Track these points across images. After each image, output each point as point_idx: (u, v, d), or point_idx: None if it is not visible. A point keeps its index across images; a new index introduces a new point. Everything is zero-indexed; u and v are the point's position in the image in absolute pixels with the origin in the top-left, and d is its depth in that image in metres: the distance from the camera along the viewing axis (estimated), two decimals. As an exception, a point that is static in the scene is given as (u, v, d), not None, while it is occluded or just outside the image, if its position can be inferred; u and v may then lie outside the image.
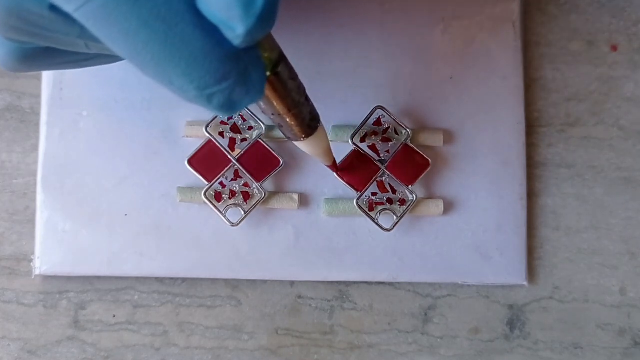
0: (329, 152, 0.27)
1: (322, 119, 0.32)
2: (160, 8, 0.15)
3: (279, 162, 0.30)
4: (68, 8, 0.15)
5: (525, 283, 0.31)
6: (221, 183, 0.30)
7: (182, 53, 0.15)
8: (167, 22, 0.15)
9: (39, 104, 0.32)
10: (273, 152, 0.31)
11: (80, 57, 0.22)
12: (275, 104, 0.21)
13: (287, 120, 0.22)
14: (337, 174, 0.30)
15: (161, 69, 0.16)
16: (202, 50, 0.15)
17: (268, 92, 0.20)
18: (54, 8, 0.16)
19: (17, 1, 0.16)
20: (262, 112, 0.22)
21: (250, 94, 0.17)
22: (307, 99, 0.22)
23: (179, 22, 0.15)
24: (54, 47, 0.19)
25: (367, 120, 0.31)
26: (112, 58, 0.22)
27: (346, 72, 0.32)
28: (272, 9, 0.15)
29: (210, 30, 0.15)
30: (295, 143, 0.25)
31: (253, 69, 0.17)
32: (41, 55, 0.20)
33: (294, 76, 0.20)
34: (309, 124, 0.23)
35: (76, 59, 0.22)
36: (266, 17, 0.15)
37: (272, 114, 0.22)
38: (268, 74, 0.19)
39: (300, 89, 0.21)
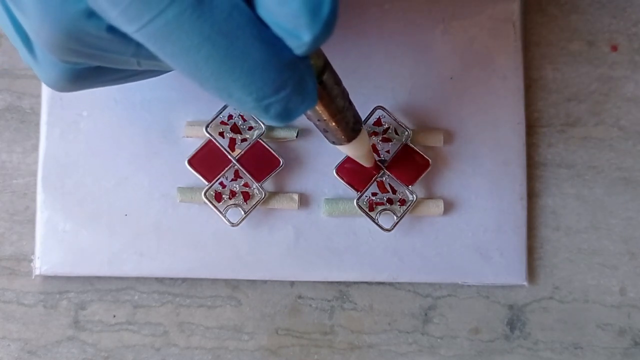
0: (370, 154, 0.28)
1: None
2: (221, 24, 0.15)
3: (279, 162, 0.30)
4: (128, 29, 0.15)
5: (525, 283, 0.31)
6: (221, 183, 0.30)
7: (242, 66, 0.15)
8: (229, 37, 0.15)
9: (39, 104, 0.32)
10: (273, 152, 0.31)
11: (130, 73, 0.22)
12: (321, 110, 0.21)
13: (332, 125, 0.22)
14: (384, 172, 0.30)
15: (221, 83, 0.16)
16: (261, 62, 0.16)
17: None
18: (112, 29, 0.16)
19: (76, 24, 0.16)
20: (307, 118, 0.22)
21: (306, 102, 0.18)
22: (350, 103, 0.22)
23: (240, 36, 0.15)
24: (105, 65, 0.19)
25: (367, 120, 0.31)
26: (159, 72, 0.22)
27: (346, 72, 0.32)
28: (335, 13, 0.15)
29: (270, 41, 0.16)
30: (338, 147, 0.25)
31: (308, 77, 0.17)
32: (92, 74, 0.20)
33: (338, 82, 0.20)
34: (353, 127, 0.23)
35: (125, 75, 0.22)
36: (331, 23, 0.15)
37: (318, 120, 0.22)
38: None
39: (345, 94, 0.21)
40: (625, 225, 0.32)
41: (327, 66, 0.19)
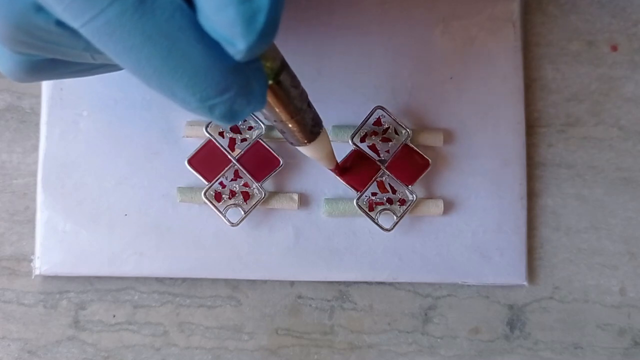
0: (331, 156, 0.28)
1: (322, 119, 0.32)
2: (163, 25, 0.15)
3: (279, 162, 0.30)
4: (74, 24, 0.15)
5: (525, 283, 0.31)
6: (221, 183, 0.30)
7: (185, 67, 0.16)
8: (170, 38, 0.15)
9: (39, 104, 0.32)
10: (273, 152, 0.31)
11: (86, 66, 0.22)
12: (277, 111, 0.21)
13: (290, 126, 0.22)
14: (340, 177, 0.30)
15: (164, 82, 0.16)
16: (203, 64, 0.16)
17: (270, 100, 0.20)
18: (60, 23, 0.16)
19: (25, 17, 0.16)
20: (265, 118, 0.22)
21: (252, 104, 0.18)
22: (309, 105, 0.23)
23: (181, 38, 0.15)
24: (61, 58, 0.19)
25: (367, 120, 0.31)
26: (117, 67, 0.22)
27: (346, 72, 0.32)
28: (274, 24, 0.15)
29: (212, 45, 0.16)
30: (298, 148, 0.25)
31: (255, 80, 0.17)
32: (48, 66, 0.21)
33: (296, 84, 0.21)
34: (312, 129, 0.24)
35: (82, 69, 0.22)
36: (267, 33, 0.15)
37: (275, 121, 0.22)
38: (270, 82, 0.19)
39: (303, 96, 0.22)
40: (625, 225, 0.32)
41: (284, 67, 0.19)
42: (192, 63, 0.16)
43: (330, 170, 0.30)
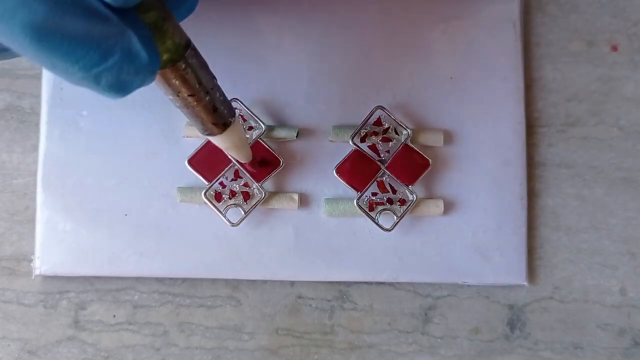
0: (245, 148, 0.26)
1: (322, 119, 0.32)
2: None
3: (279, 162, 0.30)
4: None
5: (525, 283, 0.31)
6: (221, 183, 0.30)
7: (63, 33, 0.15)
8: (46, 1, 0.14)
9: (39, 104, 0.32)
10: (273, 152, 0.31)
11: None
12: (182, 92, 0.20)
13: (197, 111, 0.22)
14: (252, 171, 0.30)
15: (42, 53, 0.15)
16: (82, 27, 0.15)
17: (173, 78, 0.20)
18: None
19: None
20: (174, 104, 0.22)
21: (141, 73, 0.17)
22: (219, 92, 0.22)
23: (59, 1, 0.14)
24: None
25: (367, 120, 0.31)
26: (11, 53, 0.21)
27: (346, 72, 0.32)
28: None
29: (91, 6, 0.15)
30: (210, 138, 0.24)
31: (141, 46, 0.17)
32: None
33: (202, 64, 0.21)
34: (222, 118, 0.23)
35: None
36: None
37: (184, 106, 0.21)
38: (166, 57, 0.19)
39: (212, 81, 0.21)
40: (625, 225, 0.32)
41: (189, 45, 0.19)
42: (70, 27, 0.15)
43: (243, 164, 0.29)
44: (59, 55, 0.15)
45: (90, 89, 0.17)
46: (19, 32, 0.14)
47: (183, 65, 0.19)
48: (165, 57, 0.19)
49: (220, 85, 0.23)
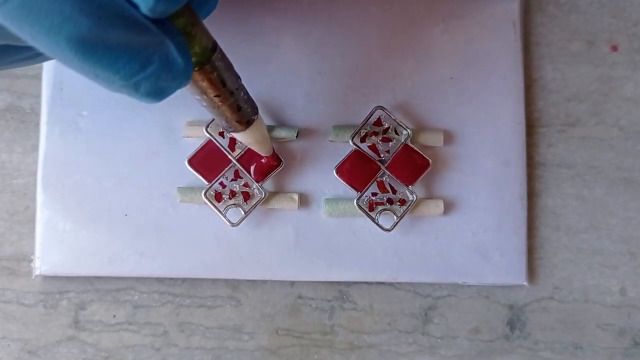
0: (267, 143, 0.28)
1: (322, 119, 0.32)
2: (83, 3, 0.15)
3: (279, 162, 0.30)
4: None
5: (525, 283, 0.31)
6: (221, 183, 0.30)
7: (106, 45, 0.15)
8: (91, 16, 0.15)
9: (39, 104, 0.32)
10: (273, 152, 0.31)
11: (35, 52, 0.21)
12: (209, 93, 0.21)
13: (223, 110, 0.22)
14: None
15: (86, 64, 0.16)
16: (124, 39, 0.15)
17: (201, 81, 0.20)
18: None
19: None
20: (200, 103, 0.22)
21: (177, 79, 0.18)
22: (243, 90, 0.23)
23: (102, 15, 0.15)
24: (7, 44, 0.19)
25: (367, 120, 0.31)
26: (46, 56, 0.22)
27: (346, 72, 0.32)
28: None
29: (132, 18, 0.16)
30: (234, 134, 0.25)
31: (177, 53, 0.17)
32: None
33: (229, 66, 0.21)
34: (246, 115, 0.24)
35: (32, 55, 0.22)
36: None
37: (209, 105, 0.22)
38: (194, 60, 0.19)
39: (236, 80, 0.22)
40: (625, 225, 0.32)
41: (215, 48, 0.20)
42: (112, 39, 0.15)
43: (266, 157, 0.30)
44: (101, 67, 0.16)
45: (129, 95, 0.17)
46: (65, 46, 0.15)
47: (210, 68, 0.20)
48: (193, 60, 0.19)
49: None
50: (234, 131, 0.24)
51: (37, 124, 0.32)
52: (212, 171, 0.30)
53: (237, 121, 0.24)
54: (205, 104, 0.22)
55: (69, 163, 0.31)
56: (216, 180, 0.30)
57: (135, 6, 0.16)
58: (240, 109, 0.23)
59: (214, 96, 0.21)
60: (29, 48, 0.20)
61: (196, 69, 0.19)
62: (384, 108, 0.31)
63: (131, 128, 0.31)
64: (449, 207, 0.31)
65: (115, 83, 0.16)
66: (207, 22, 0.20)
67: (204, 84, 0.20)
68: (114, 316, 0.31)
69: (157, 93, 0.18)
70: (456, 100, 0.32)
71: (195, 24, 0.18)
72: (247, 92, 0.23)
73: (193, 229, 0.31)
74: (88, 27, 0.15)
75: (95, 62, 0.16)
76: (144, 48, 0.16)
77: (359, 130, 0.31)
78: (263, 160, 0.30)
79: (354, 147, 0.31)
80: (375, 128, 0.31)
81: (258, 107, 0.32)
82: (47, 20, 0.14)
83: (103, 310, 0.31)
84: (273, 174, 0.30)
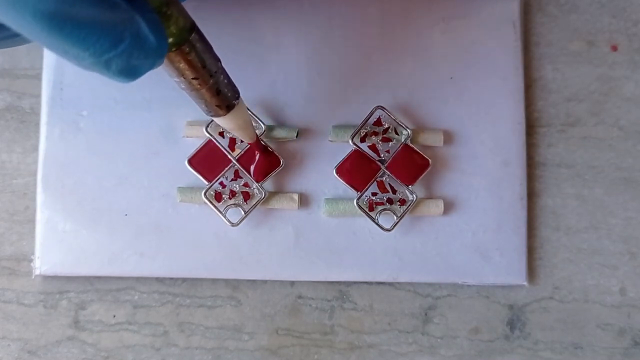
0: (249, 128, 0.27)
1: (322, 119, 0.32)
2: None
3: (279, 162, 0.30)
4: None
5: (525, 283, 0.31)
6: (221, 183, 0.30)
7: (74, 20, 0.15)
8: None
9: (39, 104, 0.32)
10: (273, 152, 0.31)
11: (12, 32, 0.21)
12: (186, 75, 0.21)
13: (202, 94, 0.22)
14: (258, 151, 0.30)
15: (54, 40, 0.15)
16: (93, 14, 0.15)
17: (178, 62, 0.20)
18: None
19: None
20: (178, 86, 0.22)
21: (150, 57, 0.17)
22: (224, 73, 0.23)
23: None
24: None
25: (367, 120, 0.31)
26: (19, 38, 0.21)
27: (346, 72, 0.32)
28: None
29: None
30: (215, 119, 0.25)
31: (150, 31, 0.17)
32: None
33: (207, 48, 0.21)
34: (227, 99, 0.23)
35: (8, 35, 0.21)
36: None
37: (189, 88, 0.22)
38: (171, 40, 0.19)
39: (215, 62, 0.22)
40: (625, 225, 0.32)
41: (193, 29, 0.19)
42: (81, 15, 0.15)
43: (249, 144, 0.29)
44: (70, 42, 0.15)
45: (101, 73, 0.17)
46: (31, 20, 0.15)
47: (187, 49, 0.20)
48: (170, 40, 0.19)
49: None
50: (214, 116, 0.24)
51: (37, 124, 0.32)
52: (212, 171, 0.30)
53: (217, 105, 0.23)
54: (183, 86, 0.22)
55: (69, 163, 0.31)
56: (216, 180, 0.30)
57: None
58: (220, 92, 0.23)
59: (192, 78, 0.21)
60: (3, 27, 0.20)
61: (173, 49, 0.19)
62: (384, 108, 0.31)
63: (131, 128, 0.31)
64: (449, 207, 0.31)
65: (85, 60, 0.16)
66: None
67: (182, 65, 0.20)
68: (114, 316, 0.31)
69: (130, 71, 0.17)
70: (456, 100, 0.32)
71: (171, 4, 0.18)
72: (227, 75, 0.23)
73: (193, 229, 0.31)
74: (54, 1, 0.15)
75: (64, 37, 0.15)
76: (115, 25, 0.16)
77: (359, 130, 0.31)
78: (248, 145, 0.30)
79: (354, 147, 0.31)
80: (375, 128, 0.31)
81: (258, 107, 0.32)
82: None
83: (103, 310, 0.31)
84: (273, 174, 0.30)
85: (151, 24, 0.17)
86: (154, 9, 0.18)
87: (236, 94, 0.24)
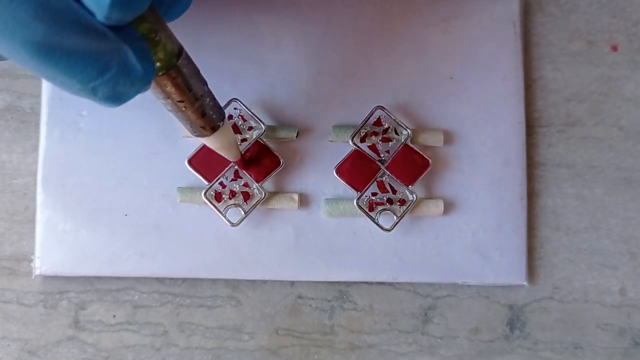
0: (234, 148, 0.27)
1: (322, 119, 0.32)
2: (38, 8, 0.15)
3: (279, 162, 0.30)
4: None
5: (525, 283, 0.31)
6: (221, 183, 0.30)
7: (62, 50, 0.15)
8: (46, 21, 0.15)
9: (39, 104, 0.32)
10: (273, 152, 0.31)
11: None
12: (173, 97, 0.21)
13: (187, 115, 0.22)
14: (242, 168, 0.30)
15: (42, 67, 0.16)
16: (81, 45, 0.15)
17: (164, 85, 0.20)
18: None
19: None
20: (165, 107, 0.22)
21: (136, 85, 0.18)
22: (210, 95, 0.23)
23: (57, 21, 0.15)
24: None
25: (367, 120, 0.31)
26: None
27: (346, 72, 0.32)
28: None
29: (89, 24, 0.16)
30: (201, 139, 0.25)
31: (137, 60, 0.17)
32: None
33: (194, 72, 0.21)
34: (212, 120, 0.24)
35: None
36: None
37: (175, 110, 0.22)
38: (159, 65, 0.19)
39: (202, 86, 0.22)
40: (625, 225, 0.32)
41: (181, 53, 0.20)
42: (69, 45, 0.15)
43: (233, 162, 0.30)
44: (57, 70, 0.16)
45: (88, 98, 0.17)
46: (20, 49, 0.15)
47: (174, 74, 0.20)
48: (157, 65, 0.19)
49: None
50: (199, 136, 0.24)
51: (37, 124, 0.32)
52: (212, 171, 0.30)
53: (201, 127, 0.23)
54: (169, 107, 0.22)
55: (69, 163, 0.31)
56: (216, 180, 0.30)
57: (92, 13, 0.16)
58: (205, 115, 0.23)
59: (178, 101, 0.21)
60: None
61: (160, 73, 0.19)
62: (384, 108, 0.31)
63: (131, 128, 0.31)
64: (449, 207, 0.31)
65: (72, 87, 0.16)
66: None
67: (168, 89, 0.20)
68: (114, 316, 0.31)
69: (116, 98, 0.18)
70: (456, 100, 0.32)
71: (160, 30, 0.18)
72: (214, 98, 0.23)
73: (193, 229, 0.31)
74: (43, 32, 0.15)
75: (51, 66, 0.16)
76: (102, 54, 0.16)
77: (359, 130, 0.31)
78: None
79: (354, 147, 0.31)
80: (375, 128, 0.31)
81: (258, 107, 0.32)
82: (1, 23, 0.15)
83: (103, 310, 0.31)
84: (273, 174, 0.30)
85: (139, 53, 0.17)
86: (142, 36, 0.18)
87: (222, 115, 0.24)
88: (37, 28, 0.15)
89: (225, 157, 0.28)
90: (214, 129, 0.24)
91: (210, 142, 0.25)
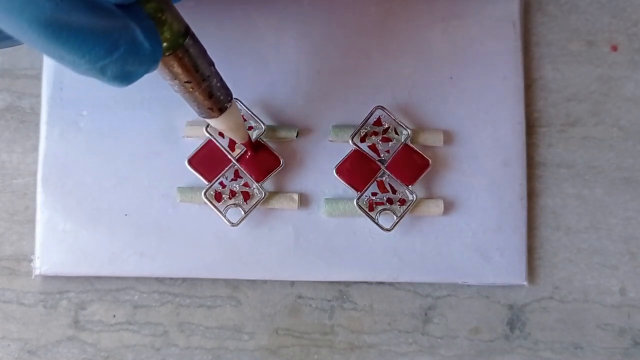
0: (242, 129, 0.27)
1: (322, 119, 0.32)
2: None
3: (279, 162, 0.30)
4: None
5: (525, 283, 0.31)
6: (221, 183, 0.30)
7: (70, 28, 0.15)
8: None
9: (39, 104, 0.32)
10: (273, 152, 0.31)
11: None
12: (180, 78, 0.21)
13: (195, 96, 0.22)
14: (251, 152, 0.30)
15: (50, 46, 0.16)
16: (89, 23, 0.15)
17: (171, 66, 0.20)
18: None
19: None
20: (172, 88, 0.22)
21: (145, 64, 0.18)
22: (217, 76, 0.23)
23: None
24: None
25: (367, 120, 0.31)
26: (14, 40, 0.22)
27: (346, 72, 0.32)
28: None
29: (96, 2, 0.16)
30: (208, 120, 0.25)
31: (145, 38, 0.17)
32: None
33: (201, 52, 0.21)
34: (220, 101, 0.24)
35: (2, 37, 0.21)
36: None
37: (182, 91, 0.22)
38: (166, 45, 0.19)
39: (209, 66, 0.22)
40: (625, 225, 0.32)
41: (187, 33, 0.20)
42: (77, 23, 0.15)
43: (242, 144, 0.30)
44: (66, 49, 0.16)
45: (96, 78, 0.17)
46: (28, 27, 0.15)
47: (181, 54, 0.20)
48: (164, 45, 0.19)
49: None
50: (207, 117, 0.24)
51: (37, 124, 0.32)
52: (212, 171, 0.30)
53: (209, 108, 0.24)
54: (177, 89, 0.22)
55: (69, 163, 0.31)
56: (216, 180, 0.30)
57: None
58: (213, 95, 0.23)
59: (185, 82, 0.21)
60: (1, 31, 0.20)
61: (167, 54, 0.19)
62: (384, 108, 0.31)
63: (131, 128, 0.31)
64: (449, 207, 0.31)
65: (81, 66, 0.16)
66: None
67: (175, 69, 0.20)
68: (114, 316, 0.31)
69: (125, 77, 0.18)
70: (456, 100, 0.32)
71: (166, 9, 0.19)
72: (221, 78, 0.23)
73: (193, 229, 0.31)
74: (50, 10, 0.15)
75: (60, 44, 0.15)
76: (111, 32, 0.16)
77: (359, 130, 0.31)
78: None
79: (354, 147, 0.31)
80: (375, 128, 0.31)
81: (258, 107, 0.32)
82: (9, 1, 0.14)
83: (103, 310, 0.31)
84: (273, 173, 0.30)
85: (146, 31, 0.17)
86: (148, 15, 0.18)
87: (229, 96, 0.24)
88: (45, 5, 0.15)
89: (233, 138, 0.28)
90: (221, 110, 0.24)
91: (218, 123, 0.25)
